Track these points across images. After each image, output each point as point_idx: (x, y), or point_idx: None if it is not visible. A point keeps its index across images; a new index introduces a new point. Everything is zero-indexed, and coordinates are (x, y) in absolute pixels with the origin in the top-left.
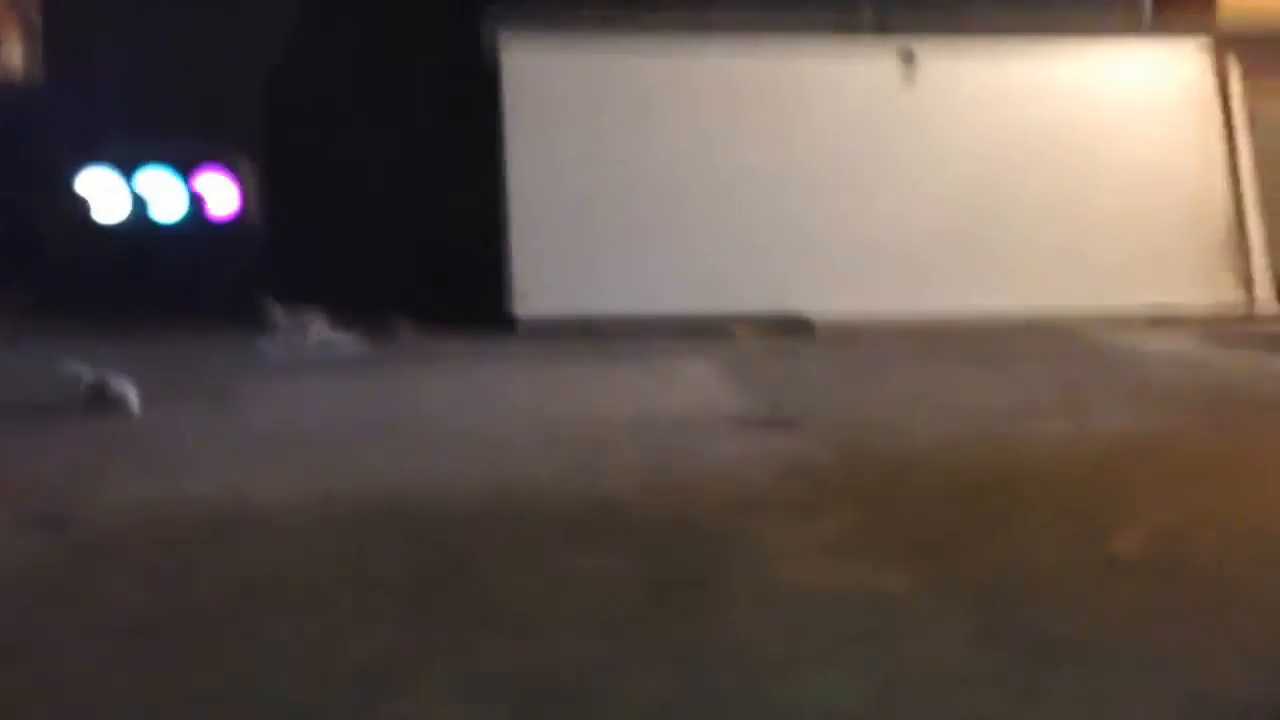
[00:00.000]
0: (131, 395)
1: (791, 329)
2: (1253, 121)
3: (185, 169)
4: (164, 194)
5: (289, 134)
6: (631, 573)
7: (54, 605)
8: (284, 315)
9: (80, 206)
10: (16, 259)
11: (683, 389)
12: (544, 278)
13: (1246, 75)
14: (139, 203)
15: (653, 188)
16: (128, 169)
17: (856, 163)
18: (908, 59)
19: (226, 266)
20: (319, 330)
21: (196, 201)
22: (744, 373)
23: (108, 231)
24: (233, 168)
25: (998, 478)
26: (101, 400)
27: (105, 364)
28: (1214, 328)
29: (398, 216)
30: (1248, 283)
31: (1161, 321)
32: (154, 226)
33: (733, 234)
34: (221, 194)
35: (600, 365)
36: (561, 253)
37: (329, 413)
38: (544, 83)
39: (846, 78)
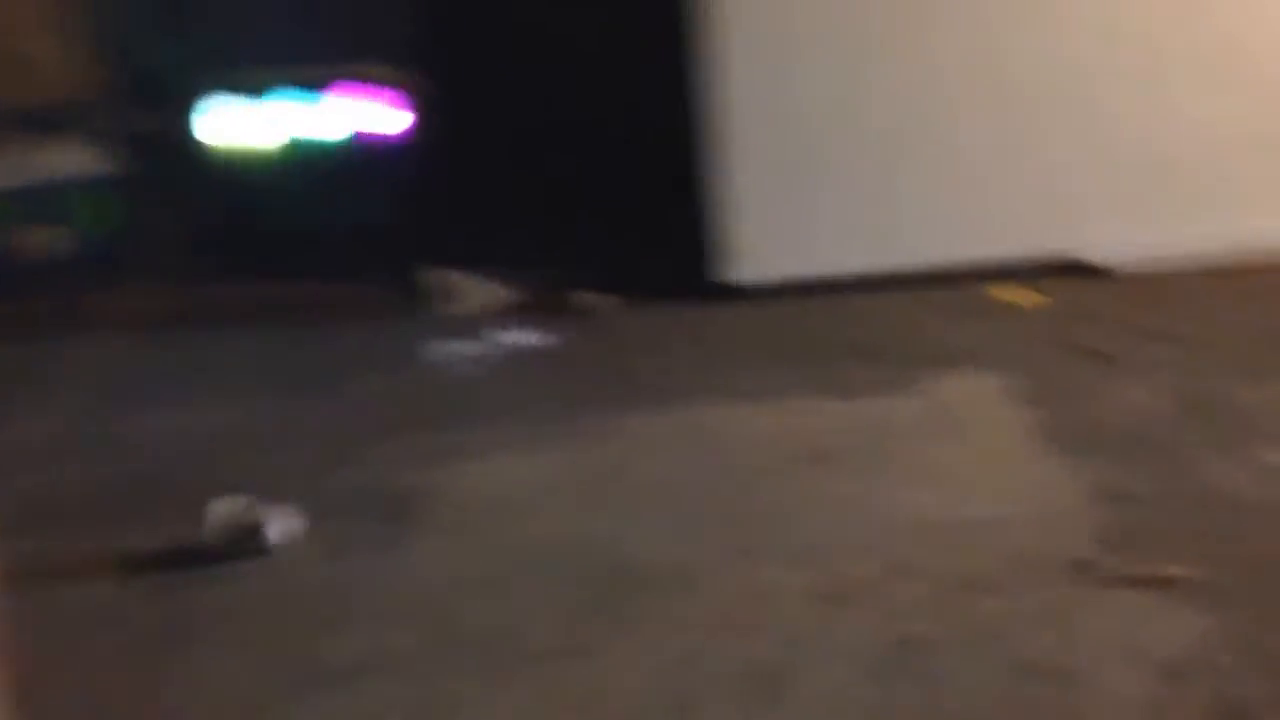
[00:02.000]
0: (274, 526)
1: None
2: None
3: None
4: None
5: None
6: None
7: None
8: (445, 289)
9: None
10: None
11: (975, 456)
12: (763, 233)
13: None
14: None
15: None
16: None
17: (1144, 50)
18: None
19: (378, 203)
20: (494, 320)
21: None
22: (1047, 399)
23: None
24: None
25: None
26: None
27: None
28: None
29: (569, 159)
30: None
31: None
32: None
33: (985, 156)
34: (371, 118)
35: (852, 395)
36: (784, 199)
37: (552, 553)
38: None
39: None
